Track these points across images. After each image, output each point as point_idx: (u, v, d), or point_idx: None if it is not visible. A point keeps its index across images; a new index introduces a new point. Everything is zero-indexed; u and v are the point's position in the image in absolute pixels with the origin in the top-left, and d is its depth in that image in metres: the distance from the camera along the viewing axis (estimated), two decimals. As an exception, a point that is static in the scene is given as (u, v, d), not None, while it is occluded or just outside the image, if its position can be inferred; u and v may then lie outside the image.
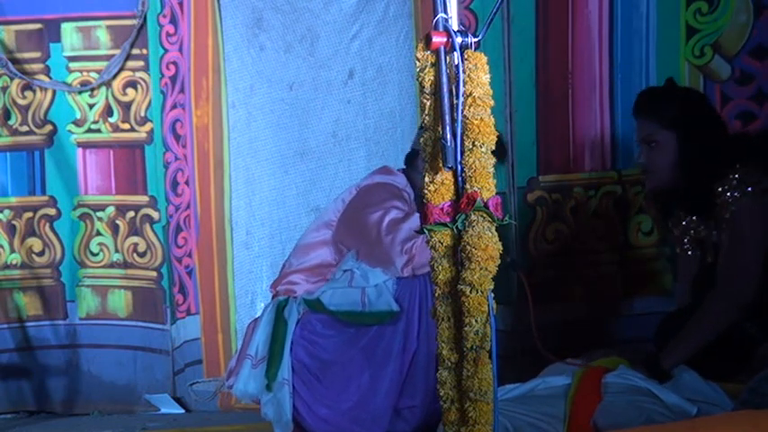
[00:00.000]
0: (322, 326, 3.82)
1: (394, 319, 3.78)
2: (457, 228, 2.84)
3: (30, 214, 5.37)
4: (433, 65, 2.84)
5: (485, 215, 2.77)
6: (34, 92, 5.33)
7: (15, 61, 5.27)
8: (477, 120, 2.77)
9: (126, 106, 5.30)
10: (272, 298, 4.05)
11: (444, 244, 2.88)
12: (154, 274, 5.29)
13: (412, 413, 3.85)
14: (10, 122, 5.34)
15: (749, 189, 3.69)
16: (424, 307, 3.79)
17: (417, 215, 3.85)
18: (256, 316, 4.26)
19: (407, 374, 3.80)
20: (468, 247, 2.77)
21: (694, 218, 3.91)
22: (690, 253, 4.01)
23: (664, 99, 3.88)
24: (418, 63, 2.86)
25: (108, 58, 5.27)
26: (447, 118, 2.78)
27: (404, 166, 4.15)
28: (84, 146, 5.35)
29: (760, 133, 4.45)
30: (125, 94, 5.29)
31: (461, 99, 2.79)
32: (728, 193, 3.70)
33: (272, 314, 3.89)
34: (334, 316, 3.80)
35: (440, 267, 2.89)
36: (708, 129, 3.79)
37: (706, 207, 3.79)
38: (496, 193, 2.78)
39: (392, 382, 3.79)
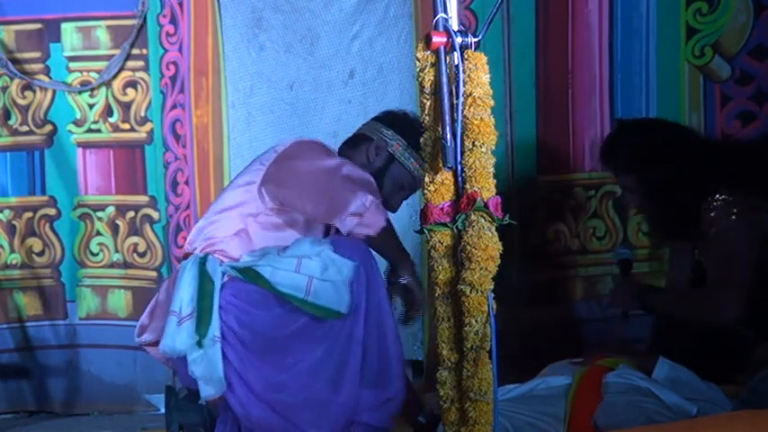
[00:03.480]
0: (260, 298, 3.58)
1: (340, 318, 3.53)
2: (457, 228, 2.85)
3: (30, 214, 5.36)
4: (433, 65, 2.84)
5: (485, 215, 2.78)
6: (34, 92, 5.32)
7: (15, 61, 5.26)
8: (477, 120, 2.78)
9: (126, 106, 5.29)
10: (184, 257, 3.81)
11: (444, 244, 2.89)
12: (154, 274, 5.29)
13: (390, 406, 3.68)
14: (10, 122, 5.33)
15: (734, 211, 3.70)
16: (373, 298, 3.54)
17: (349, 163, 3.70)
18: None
19: (366, 367, 3.57)
20: (469, 247, 2.77)
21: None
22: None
23: (616, 146, 3.94)
24: (418, 63, 2.87)
25: (108, 58, 5.26)
26: (447, 118, 2.79)
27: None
28: (84, 146, 5.34)
29: (735, 143, 4.45)
30: (125, 94, 5.29)
31: (461, 99, 2.79)
32: (713, 214, 3.71)
33: (196, 270, 3.65)
34: (275, 293, 3.56)
35: (440, 267, 2.89)
36: (669, 155, 3.81)
37: (691, 227, 3.81)
38: (496, 194, 2.79)
39: (337, 372, 3.54)
